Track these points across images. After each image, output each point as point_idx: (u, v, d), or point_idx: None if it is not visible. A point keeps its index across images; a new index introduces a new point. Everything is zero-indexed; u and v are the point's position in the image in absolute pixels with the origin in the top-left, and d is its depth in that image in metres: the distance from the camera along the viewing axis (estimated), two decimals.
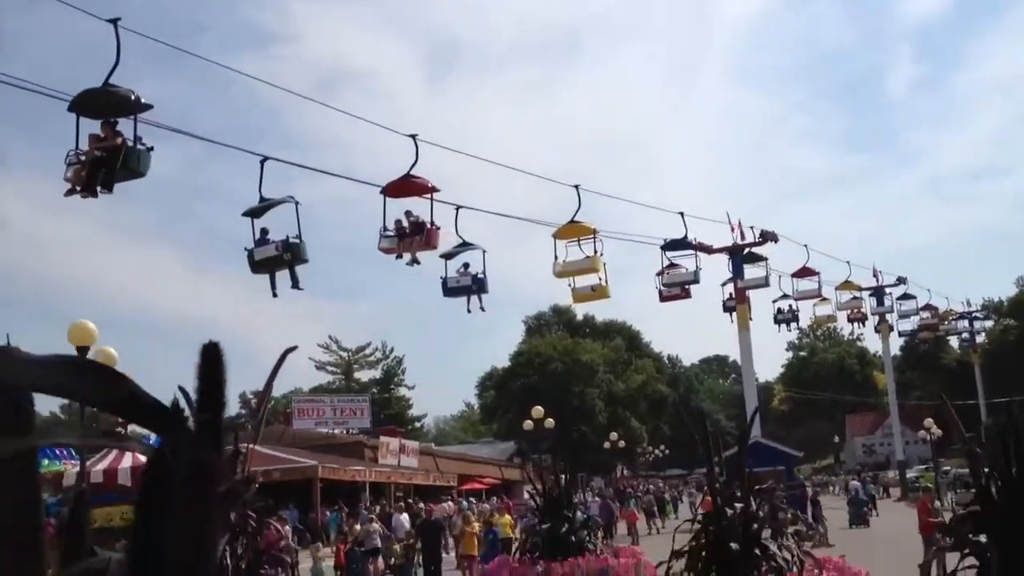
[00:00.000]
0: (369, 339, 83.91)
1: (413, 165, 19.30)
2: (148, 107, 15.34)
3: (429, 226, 20.19)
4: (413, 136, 19.19)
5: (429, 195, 19.78)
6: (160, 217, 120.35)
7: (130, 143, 15.26)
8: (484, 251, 22.52)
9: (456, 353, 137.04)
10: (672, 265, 31.30)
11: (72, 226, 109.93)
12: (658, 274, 31.31)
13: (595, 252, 24.12)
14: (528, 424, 48.85)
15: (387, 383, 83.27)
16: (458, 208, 21.25)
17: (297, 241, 18.23)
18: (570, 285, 25.78)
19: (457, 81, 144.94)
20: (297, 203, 18.18)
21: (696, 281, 31.51)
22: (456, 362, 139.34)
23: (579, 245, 24.08)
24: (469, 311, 22.75)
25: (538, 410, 46.63)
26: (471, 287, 22.75)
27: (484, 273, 22.69)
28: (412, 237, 20.37)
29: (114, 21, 14.92)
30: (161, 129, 16.59)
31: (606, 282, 25.56)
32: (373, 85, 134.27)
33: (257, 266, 18.53)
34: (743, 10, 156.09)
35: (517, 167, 23.22)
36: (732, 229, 35.33)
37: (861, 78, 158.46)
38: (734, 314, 36.36)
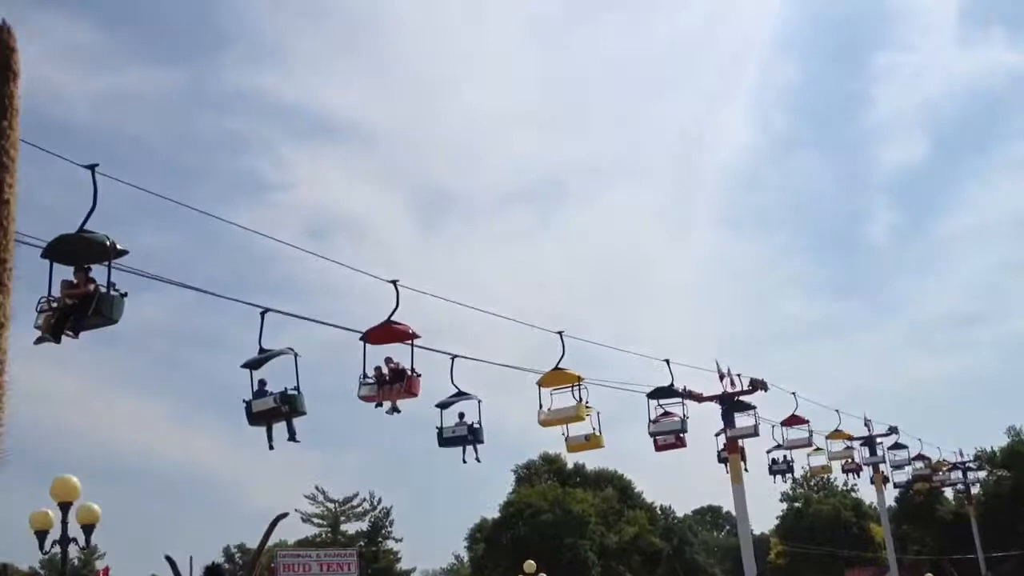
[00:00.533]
0: (356, 489, 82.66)
1: (394, 311, 19.18)
2: (123, 252, 15.16)
3: (410, 373, 19.91)
4: (394, 282, 19.16)
5: (410, 341, 19.57)
6: (150, 366, 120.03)
7: (103, 289, 15.11)
8: (480, 400, 22.51)
9: (445, 503, 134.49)
10: (666, 414, 31.18)
11: (59, 376, 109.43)
12: (653, 422, 31.15)
13: (580, 400, 23.98)
14: None
15: (375, 535, 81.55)
16: (453, 357, 21.40)
17: (295, 393, 18.25)
18: (564, 434, 25.71)
19: (447, 228, 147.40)
20: (296, 355, 18.21)
21: (684, 430, 31.33)
22: (445, 513, 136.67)
23: (572, 392, 24.01)
24: (465, 461, 22.71)
25: (530, 564, 45.68)
26: (467, 437, 22.68)
27: (479, 423, 22.66)
28: (392, 384, 20.09)
29: (92, 167, 14.96)
30: (156, 280, 16.62)
31: (599, 431, 25.56)
32: (364, 232, 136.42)
33: (255, 418, 18.47)
34: (728, 157, 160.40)
35: (502, 314, 23.16)
36: (721, 377, 35.34)
37: (843, 225, 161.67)
38: (728, 464, 36.00)
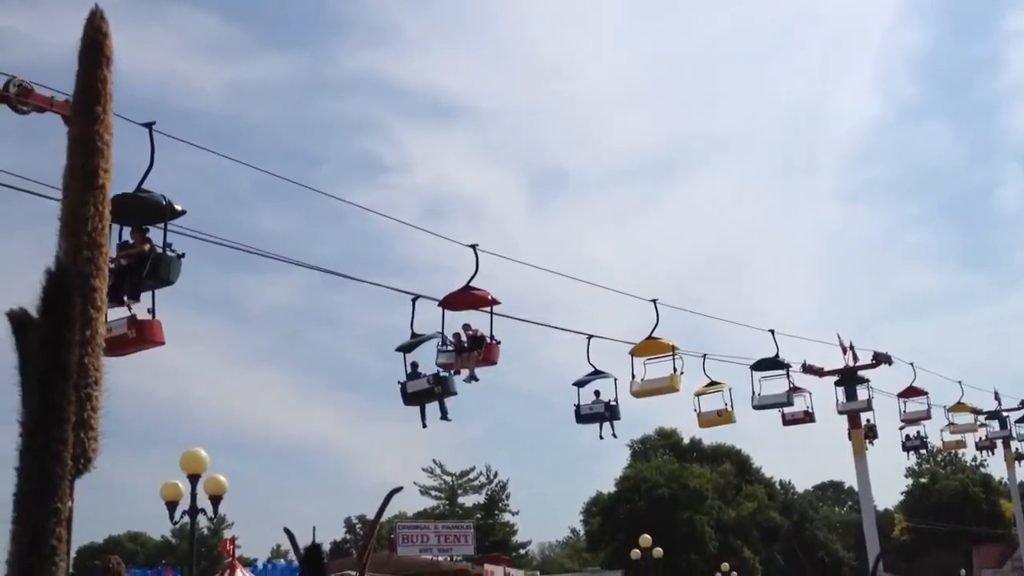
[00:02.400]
0: (473, 463, 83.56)
1: (473, 276, 18.75)
2: (180, 213, 14.87)
3: (488, 340, 19.49)
4: (473, 246, 18.71)
5: (489, 307, 19.20)
6: (275, 343, 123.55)
7: (159, 250, 14.80)
8: (615, 379, 22.74)
9: (561, 478, 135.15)
10: (795, 389, 30.41)
11: (187, 354, 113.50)
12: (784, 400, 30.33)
13: (675, 370, 23.28)
14: (636, 553, 47.53)
15: (491, 508, 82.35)
16: (589, 337, 21.45)
17: (447, 375, 19.35)
18: (695, 409, 25.57)
19: (561, 206, 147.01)
20: (444, 338, 19.24)
21: (790, 403, 30.41)
22: (561, 487, 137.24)
23: (671, 360, 23.20)
24: (602, 437, 23.30)
25: (646, 538, 45.49)
26: (604, 414, 23.14)
27: (616, 400, 23.04)
28: (470, 352, 19.63)
29: (148, 125, 14.62)
30: (280, 260, 16.90)
31: (731, 407, 25.28)
32: (479, 211, 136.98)
33: (410, 398, 19.51)
34: (847, 127, 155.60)
35: (596, 282, 22.94)
36: (844, 351, 34.42)
37: (971, 195, 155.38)
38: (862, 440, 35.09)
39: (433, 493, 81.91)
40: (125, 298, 14.90)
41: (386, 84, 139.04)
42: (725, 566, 66.31)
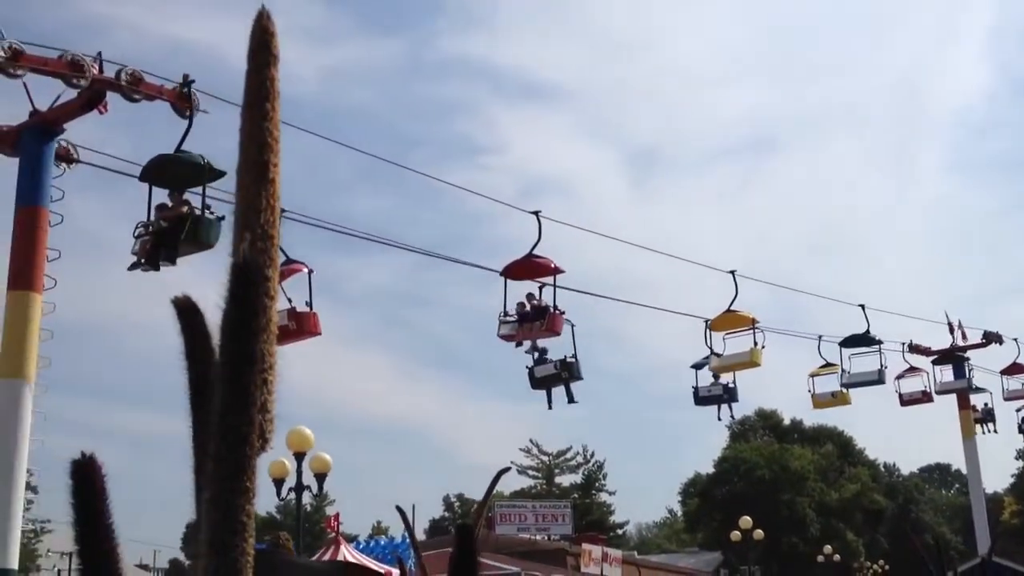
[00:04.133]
0: (569, 443, 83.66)
1: (535, 244, 18.54)
2: (220, 174, 14.47)
3: (552, 310, 19.15)
4: (536, 212, 18.54)
5: (552, 276, 18.91)
6: (374, 324, 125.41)
7: (197, 211, 14.55)
8: (757, 366, 22.68)
9: (657, 459, 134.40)
10: (912, 369, 29.71)
11: None
12: (897, 378, 29.62)
13: (756, 344, 22.65)
14: (736, 535, 47.02)
15: (588, 488, 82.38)
16: (707, 322, 21.27)
17: (573, 360, 19.75)
18: (810, 390, 25.28)
19: (657, 185, 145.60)
20: (573, 325, 19.52)
21: (881, 381, 29.56)
22: (657, 468, 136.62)
23: (747, 332, 22.76)
24: (720, 419, 23.77)
25: (746, 520, 44.97)
26: (722, 396, 23.29)
27: (734, 383, 23.19)
28: (533, 322, 19.38)
29: (188, 82, 14.80)
30: (380, 243, 17.08)
31: (847, 389, 24.93)
32: (574, 191, 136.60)
33: (537, 383, 20.07)
34: (959, 101, 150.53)
35: (675, 254, 22.65)
36: (951, 330, 33.42)
37: None
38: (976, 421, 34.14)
39: (530, 473, 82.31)
40: (161, 263, 14.76)
41: (481, 66, 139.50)
42: (828, 549, 65.18)
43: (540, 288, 19.36)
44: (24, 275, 14.36)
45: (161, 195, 15.23)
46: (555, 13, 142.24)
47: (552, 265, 18.72)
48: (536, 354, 19.85)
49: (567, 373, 19.76)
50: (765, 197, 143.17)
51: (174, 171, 14.56)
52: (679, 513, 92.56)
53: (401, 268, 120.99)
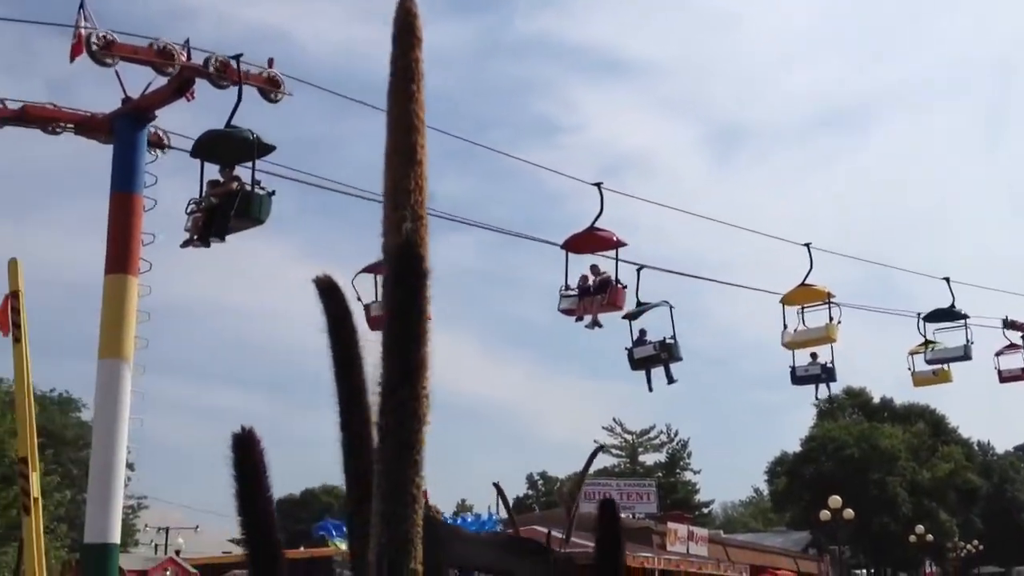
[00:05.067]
0: (653, 421, 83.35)
1: (598, 216, 18.03)
2: (269, 148, 14.44)
3: (614, 284, 18.64)
4: (598, 184, 18.05)
5: (614, 249, 18.40)
6: (457, 304, 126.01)
7: (248, 187, 14.37)
8: (833, 341, 22.27)
9: (742, 437, 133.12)
10: (1012, 345, 28.73)
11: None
12: (997, 354, 28.65)
13: (832, 319, 21.81)
14: (825, 514, 46.35)
15: (672, 467, 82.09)
16: (829, 301, 20.98)
17: (673, 341, 19.65)
18: (909, 369, 24.68)
19: (741, 161, 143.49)
20: (672, 307, 19.47)
21: (967, 357, 28.51)
22: (743, 447, 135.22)
23: (822, 307, 21.94)
24: (817, 399, 23.67)
25: (836, 499, 44.28)
26: (820, 375, 22.94)
27: (832, 363, 22.80)
28: (594, 296, 18.90)
29: (236, 57, 14.76)
30: (463, 223, 17.07)
31: (948, 366, 24.28)
32: (655, 168, 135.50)
33: (636, 364, 19.98)
34: None
35: (743, 226, 22.16)
36: None
37: None
38: None
39: (613, 451, 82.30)
40: (212, 239, 14.60)
41: (559, 45, 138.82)
42: (920, 529, 63.90)
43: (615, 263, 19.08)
44: (120, 259, 14.74)
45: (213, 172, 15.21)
46: None
47: (614, 238, 18.28)
48: (637, 335, 19.88)
49: (667, 354, 19.73)
50: (853, 172, 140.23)
51: (224, 147, 14.42)
52: (765, 492, 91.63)
53: (482, 247, 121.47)
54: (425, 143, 2.07)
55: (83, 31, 14.45)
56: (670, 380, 20.01)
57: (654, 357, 19.80)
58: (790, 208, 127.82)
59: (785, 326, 22.28)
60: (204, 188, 14.73)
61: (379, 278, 17.16)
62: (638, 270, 19.03)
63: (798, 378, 22.89)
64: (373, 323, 16.29)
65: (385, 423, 1.73)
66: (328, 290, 1.90)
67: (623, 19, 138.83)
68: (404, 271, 1.76)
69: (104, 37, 14.33)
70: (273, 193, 14.53)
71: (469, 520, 30.39)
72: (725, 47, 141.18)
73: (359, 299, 15.88)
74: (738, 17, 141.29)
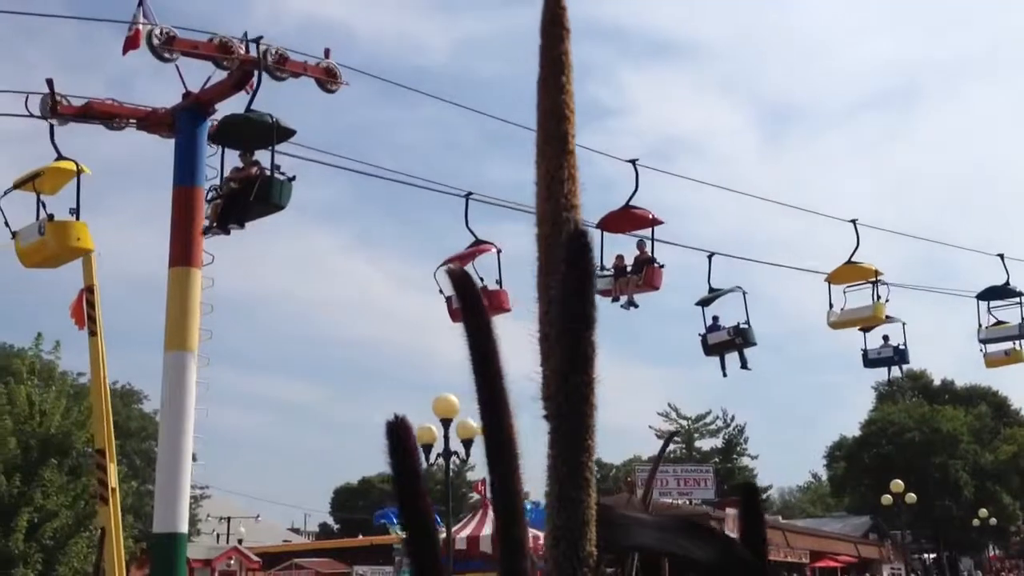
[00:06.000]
0: (708, 407, 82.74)
1: (633, 194, 17.58)
2: (290, 132, 14.38)
3: (651, 264, 18.25)
4: (632, 161, 17.57)
5: (651, 228, 18.06)
6: (513, 292, 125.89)
7: (267, 172, 14.24)
8: (904, 323, 22.31)
9: (800, 422, 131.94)
10: None
11: (431, 304, 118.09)
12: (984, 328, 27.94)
13: (878, 298, 21.27)
14: (887, 498, 45.77)
15: (729, 452, 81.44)
16: (882, 284, 20.74)
17: (747, 327, 19.83)
18: (981, 351, 24.24)
19: (794, 141, 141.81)
20: (744, 292, 19.66)
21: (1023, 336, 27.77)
22: (800, 431, 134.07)
23: (869, 286, 21.42)
24: (890, 381, 23.87)
25: (897, 483, 43.75)
26: (892, 358, 22.90)
27: (905, 344, 22.72)
28: (630, 276, 18.45)
29: (256, 40, 14.65)
30: (514, 209, 17.04)
31: (1022, 345, 23.87)
32: (706, 150, 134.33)
33: (711, 349, 20.14)
34: None
35: (788, 203, 21.78)
36: None
37: None
38: None
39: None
40: (231, 226, 14.53)
41: (608, 27, 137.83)
42: (983, 512, 62.86)
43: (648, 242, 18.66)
44: (184, 252, 14.90)
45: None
46: None
47: (650, 216, 17.87)
48: (711, 321, 20.07)
49: (741, 339, 19.84)
50: (908, 151, 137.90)
51: (244, 132, 14.35)
52: (824, 477, 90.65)
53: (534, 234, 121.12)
54: (575, 133, 2.07)
55: (141, 27, 14.59)
56: (744, 365, 20.04)
57: (728, 343, 19.85)
58: (841, 188, 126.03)
59: (831, 306, 21.79)
60: (224, 174, 14.73)
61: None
62: (709, 256, 19.16)
63: (870, 360, 22.77)
64: (454, 315, 16.35)
65: (558, 409, 1.73)
66: (462, 282, 1.88)
67: (673, 1, 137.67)
68: (575, 258, 1.74)
69: (166, 32, 14.46)
70: (293, 179, 14.42)
71: (528, 508, 30.45)
72: (775, 27, 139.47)
73: (441, 292, 15.98)
74: None
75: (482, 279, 16.07)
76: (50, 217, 14.24)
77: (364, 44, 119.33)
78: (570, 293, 1.80)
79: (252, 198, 14.10)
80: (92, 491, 28.22)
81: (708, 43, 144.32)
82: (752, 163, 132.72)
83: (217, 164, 15.24)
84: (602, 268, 18.45)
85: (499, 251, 17.00)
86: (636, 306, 18.64)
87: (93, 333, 10.61)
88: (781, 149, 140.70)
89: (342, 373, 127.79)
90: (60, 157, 14.52)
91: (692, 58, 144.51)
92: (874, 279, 21.31)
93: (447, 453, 22.78)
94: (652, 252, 18.40)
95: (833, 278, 21.57)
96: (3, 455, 27.28)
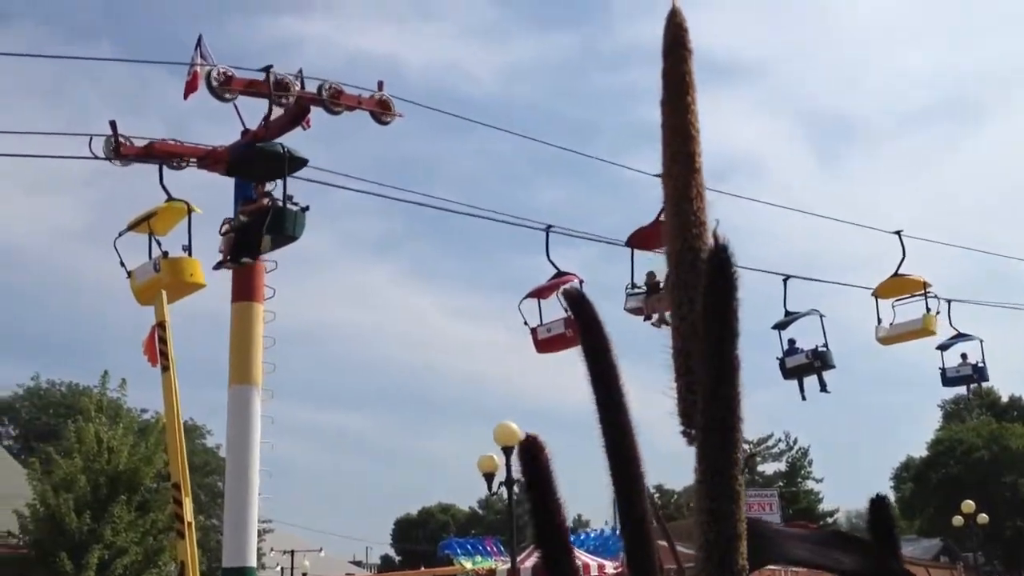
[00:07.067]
0: (770, 429, 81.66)
1: (663, 210, 17.48)
2: (302, 162, 14.39)
3: None
4: (660, 175, 17.43)
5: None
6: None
7: (279, 203, 14.18)
8: (981, 340, 22.04)
9: (865, 443, 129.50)
10: None
11: (483, 331, 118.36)
12: None
13: (929, 310, 20.79)
14: (957, 520, 44.73)
15: (793, 476, 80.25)
16: (950, 302, 20.59)
17: (825, 350, 19.90)
18: None
19: (848, 156, 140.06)
20: (822, 316, 19.76)
21: None
22: (866, 453, 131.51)
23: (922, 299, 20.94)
24: (969, 398, 23.72)
25: (968, 504, 42.71)
26: (971, 376, 22.81)
27: (983, 362, 22.57)
28: (662, 293, 17.68)
29: (266, 69, 14.67)
30: (572, 235, 17.09)
31: None
32: (761, 169, 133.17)
33: (789, 373, 20.18)
34: None
35: (831, 215, 21.47)
36: None
37: None
38: None
39: None
40: (244, 260, 14.44)
41: (657, 49, 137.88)
42: None
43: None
44: (246, 286, 15.15)
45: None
46: None
47: None
48: (787, 345, 20.05)
49: (820, 362, 19.84)
50: (965, 163, 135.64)
51: (257, 163, 14.35)
52: (891, 499, 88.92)
53: (587, 259, 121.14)
54: (701, 152, 2.15)
55: (199, 68, 14.92)
56: (823, 388, 20.08)
57: (807, 366, 19.90)
58: (899, 201, 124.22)
59: (879, 320, 21.31)
60: (236, 207, 14.83)
61: (543, 302, 17.32)
62: (784, 280, 19.08)
63: (949, 379, 22.58)
64: (540, 346, 16.45)
65: (706, 424, 1.77)
66: (578, 302, 1.92)
67: (720, 19, 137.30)
68: (717, 272, 1.78)
69: (224, 73, 14.77)
70: (307, 208, 14.33)
71: (592, 536, 30.22)
72: (826, 42, 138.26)
73: (525, 323, 16.18)
74: (832, 6, 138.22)
75: (566, 310, 16.01)
76: (164, 254, 14.57)
77: (412, 76, 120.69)
78: (713, 307, 1.84)
79: (265, 229, 14.08)
80: (161, 526, 28.60)
81: (760, 61, 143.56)
82: (807, 179, 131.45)
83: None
84: (633, 286, 18.28)
85: (581, 281, 16.95)
86: (668, 323, 18.05)
87: (166, 368, 10.79)
88: (837, 164, 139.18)
89: (400, 403, 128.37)
90: (170, 198, 14.86)
91: (742, 76, 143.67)
92: (923, 291, 20.78)
93: (509, 482, 22.72)
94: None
95: (880, 292, 21.07)
96: (74, 493, 27.72)
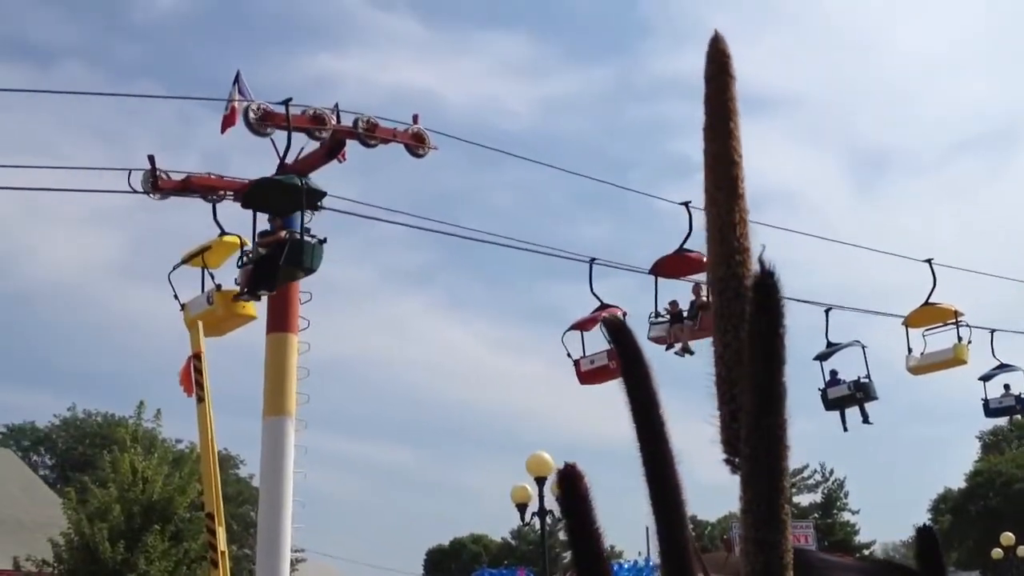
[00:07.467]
0: (806, 461, 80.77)
1: (687, 237, 16.79)
2: (320, 194, 14.41)
3: (709, 308, 17.44)
4: (686, 204, 16.90)
5: (706, 271, 17.49)
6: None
7: (296, 235, 14.14)
8: (1022, 371, 21.80)
9: (903, 475, 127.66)
10: None
11: (520, 362, 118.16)
12: None
13: (960, 339, 20.39)
14: (997, 552, 43.99)
15: (828, 507, 79.27)
16: (993, 332, 20.48)
17: (867, 381, 19.84)
18: None
19: (886, 187, 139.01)
20: (864, 347, 19.73)
21: None
22: (904, 484, 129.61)
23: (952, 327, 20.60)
24: (1010, 429, 23.60)
25: (1008, 536, 42.00)
26: (1015, 407, 22.73)
27: None
28: (684, 322, 17.81)
29: (285, 102, 14.71)
30: (613, 267, 17.03)
31: None
32: (797, 201, 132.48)
33: (831, 404, 20.15)
34: None
35: (864, 245, 21.23)
36: None
37: None
38: None
39: None
40: (261, 292, 14.39)
41: (693, 82, 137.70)
42: None
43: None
44: (281, 318, 15.26)
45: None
46: (764, 18, 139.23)
47: (705, 259, 17.68)
48: (829, 376, 20.02)
49: (862, 393, 19.82)
50: (1008, 194, 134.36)
51: (274, 196, 14.28)
52: None
53: (625, 290, 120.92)
54: (744, 178, 2.15)
55: (237, 104, 15.12)
56: (865, 419, 20.01)
57: (849, 397, 19.82)
58: (938, 232, 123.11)
59: (910, 350, 20.96)
60: (254, 239, 14.67)
61: (586, 334, 17.31)
62: (826, 311, 19.03)
63: (992, 410, 22.37)
64: (584, 377, 16.44)
65: (752, 452, 1.77)
66: (618, 331, 1.91)
67: (756, 51, 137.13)
68: (763, 299, 1.78)
69: (261, 108, 14.96)
70: (324, 240, 14.26)
71: (626, 567, 29.97)
72: (866, 74, 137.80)
73: (568, 355, 16.22)
74: (878, 34, 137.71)
75: (609, 342, 15.96)
76: (218, 287, 14.77)
77: (450, 112, 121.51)
78: (760, 334, 1.84)
79: (282, 261, 13.95)
80: (193, 555, 28.68)
81: (796, 94, 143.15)
82: (845, 211, 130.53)
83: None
84: (656, 314, 18.10)
85: (624, 314, 16.68)
86: (692, 353, 17.85)
87: (201, 399, 10.93)
88: (875, 196, 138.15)
89: (432, 433, 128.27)
90: (223, 233, 15.08)
91: (778, 108, 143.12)
92: (954, 320, 20.44)
93: (542, 512, 22.62)
94: (708, 296, 18.07)
95: (911, 321, 20.75)
96: (108, 522, 27.90)
